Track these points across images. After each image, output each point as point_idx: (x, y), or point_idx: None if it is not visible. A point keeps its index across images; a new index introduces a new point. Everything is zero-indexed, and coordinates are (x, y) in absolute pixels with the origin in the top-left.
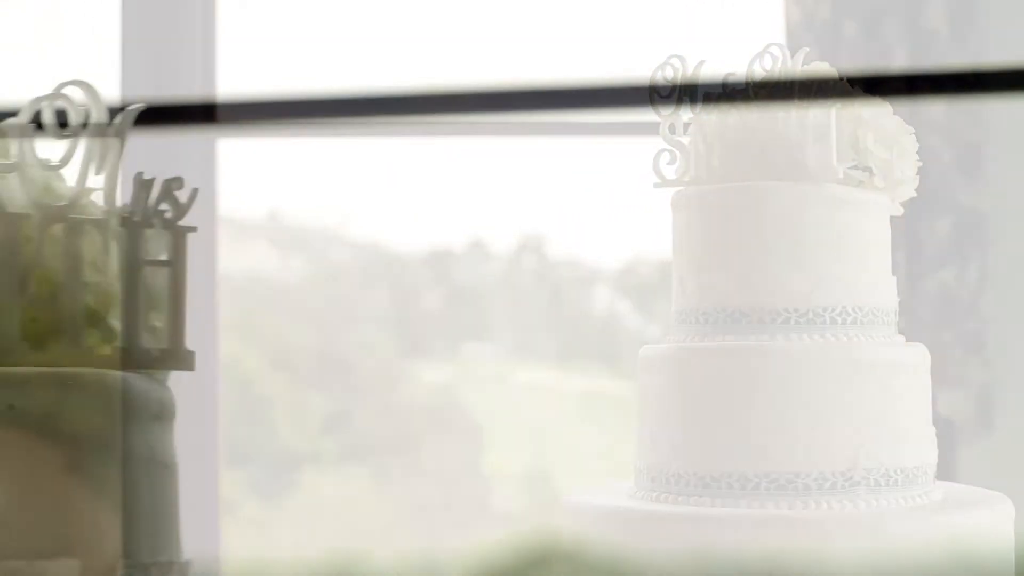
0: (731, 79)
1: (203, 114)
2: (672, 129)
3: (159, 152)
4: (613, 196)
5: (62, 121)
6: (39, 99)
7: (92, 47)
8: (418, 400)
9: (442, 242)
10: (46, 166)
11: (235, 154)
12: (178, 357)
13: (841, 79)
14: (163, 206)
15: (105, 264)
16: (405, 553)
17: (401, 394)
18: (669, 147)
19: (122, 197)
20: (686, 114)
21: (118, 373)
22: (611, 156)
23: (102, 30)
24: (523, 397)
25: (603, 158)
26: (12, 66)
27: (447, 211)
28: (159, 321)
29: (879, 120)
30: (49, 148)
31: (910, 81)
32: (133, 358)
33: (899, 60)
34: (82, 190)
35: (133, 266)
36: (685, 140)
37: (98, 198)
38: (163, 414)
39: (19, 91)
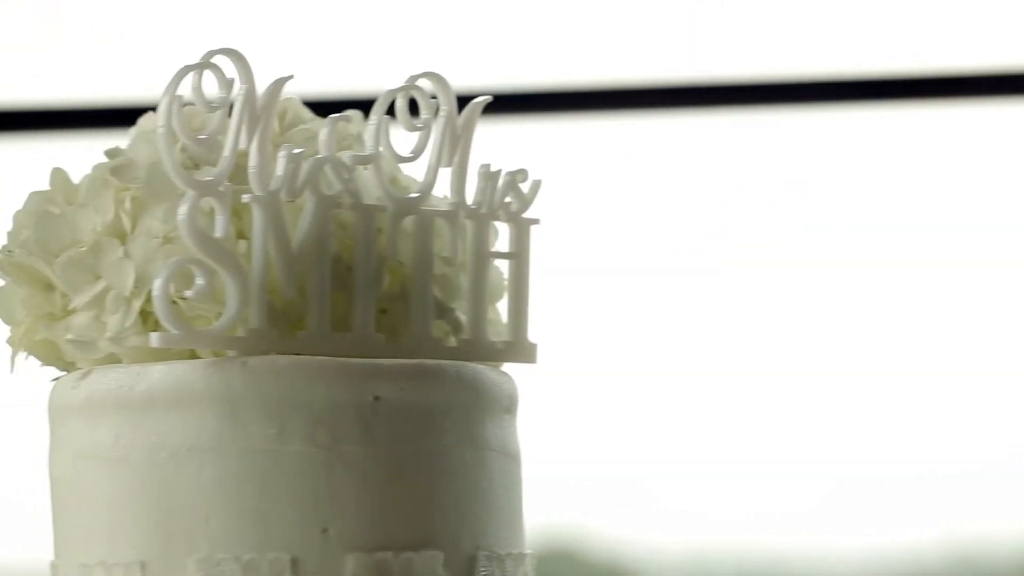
0: None
1: None
2: None
3: None
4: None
5: (413, 112)
6: (392, 90)
7: (92, 47)
8: None
9: None
10: (399, 158)
11: None
12: (522, 349)
13: None
14: (508, 198)
15: (453, 256)
16: None
17: None
18: None
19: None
20: None
21: (474, 365)
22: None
23: (102, 30)
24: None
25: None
26: (11, 66)
27: None
28: (493, 313)
29: None
30: (399, 140)
31: None
32: (478, 350)
33: None
34: (432, 182)
35: (480, 258)
36: None
37: (437, 190)
38: (512, 407)
39: (17, 91)
